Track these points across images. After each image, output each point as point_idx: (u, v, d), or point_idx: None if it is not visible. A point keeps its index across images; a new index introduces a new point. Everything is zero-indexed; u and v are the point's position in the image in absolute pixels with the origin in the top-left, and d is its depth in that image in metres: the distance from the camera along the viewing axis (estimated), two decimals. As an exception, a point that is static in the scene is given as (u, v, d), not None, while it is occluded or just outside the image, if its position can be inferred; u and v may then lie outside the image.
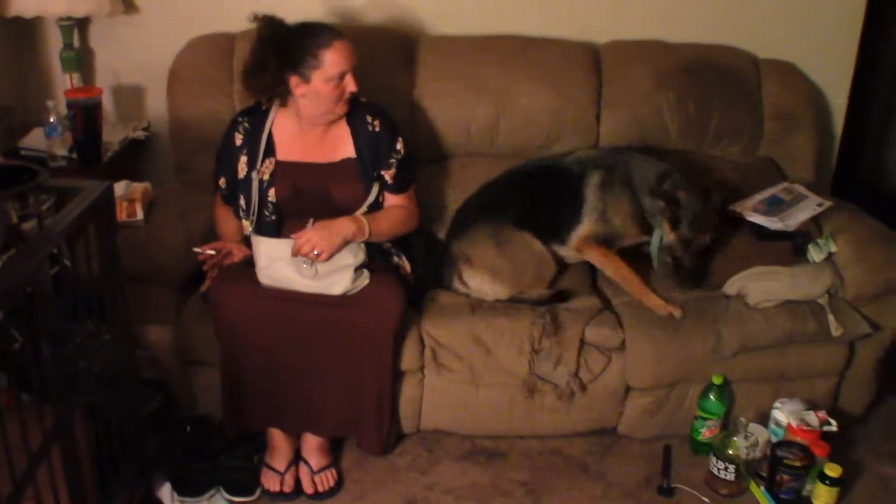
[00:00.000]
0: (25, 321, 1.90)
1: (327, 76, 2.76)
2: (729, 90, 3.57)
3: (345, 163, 2.94)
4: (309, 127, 2.91)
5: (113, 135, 3.45)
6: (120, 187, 2.98)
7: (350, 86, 2.81)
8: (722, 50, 3.67)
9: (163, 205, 3.12)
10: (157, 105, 3.58)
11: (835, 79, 3.86)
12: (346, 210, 2.89)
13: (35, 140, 3.35)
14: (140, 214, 2.96)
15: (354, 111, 2.92)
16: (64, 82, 3.50)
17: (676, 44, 3.66)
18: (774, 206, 3.23)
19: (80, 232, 2.12)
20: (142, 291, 2.74)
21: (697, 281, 3.10)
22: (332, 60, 2.75)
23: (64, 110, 3.28)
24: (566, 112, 3.47)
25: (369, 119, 2.95)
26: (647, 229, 3.16)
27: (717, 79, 3.57)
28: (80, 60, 3.53)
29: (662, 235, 3.09)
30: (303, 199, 2.90)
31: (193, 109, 3.36)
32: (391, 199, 3.00)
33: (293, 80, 2.79)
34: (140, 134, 3.58)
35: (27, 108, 3.59)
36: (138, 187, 3.04)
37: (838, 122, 3.95)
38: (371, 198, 2.94)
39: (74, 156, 3.27)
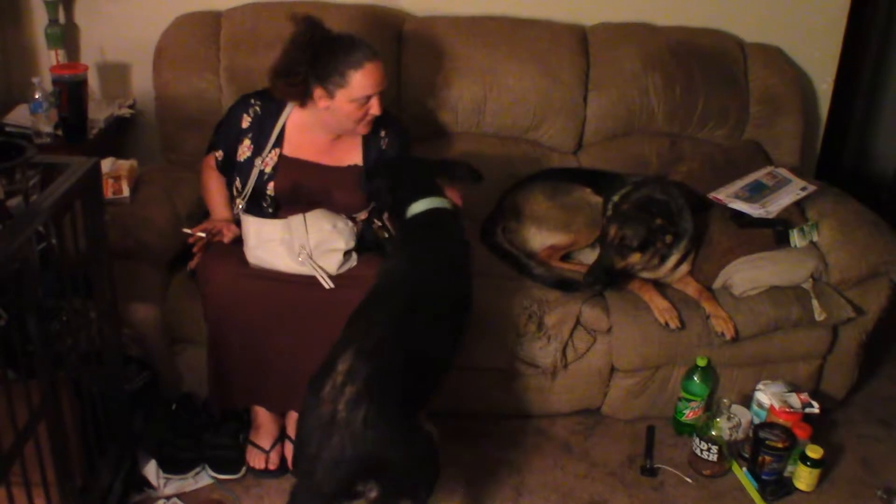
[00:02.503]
0: (11, 298, 1.89)
1: (352, 97, 2.72)
2: (715, 73, 3.58)
3: (350, 169, 2.92)
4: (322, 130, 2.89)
5: (98, 112, 3.42)
6: (106, 164, 2.97)
7: (374, 108, 2.77)
8: (709, 33, 3.68)
9: (149, 182, 3.11)
10: (143, 82, 3.56)
11: (821, 64, 3.87)
12: (344, 212, 2.87)
13: (20, 116, 3.32)
14: (126, 192, 2.95)
15: None
16: (49, 58, 3.47)
17: (664, 27, 3.67)
18: (756, 192, 3.23)
19: (66, 209, 2.11)
20: (128, 269, 2.73)
21: (598, 277, 2.97)
22: (360, 83, 2.71)
23: (49, 87, 3.25)
24: (553, 93, 3.47)
25: (382, 134, 2.93)
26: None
27: (704, 62, 3.58)
28: (66, 36, 3.50)
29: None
30: (301, 197, 2.88)
31: (180, 87, 3.34)
32: None
33: (317, 92, 2.75)
34: (126, 111, 3.55)
35: (11, 85, 3.56)
36: (124, 164, 3.03)
37: (824, 107, 3.96)
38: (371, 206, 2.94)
39: (60, 133, 3.24)
